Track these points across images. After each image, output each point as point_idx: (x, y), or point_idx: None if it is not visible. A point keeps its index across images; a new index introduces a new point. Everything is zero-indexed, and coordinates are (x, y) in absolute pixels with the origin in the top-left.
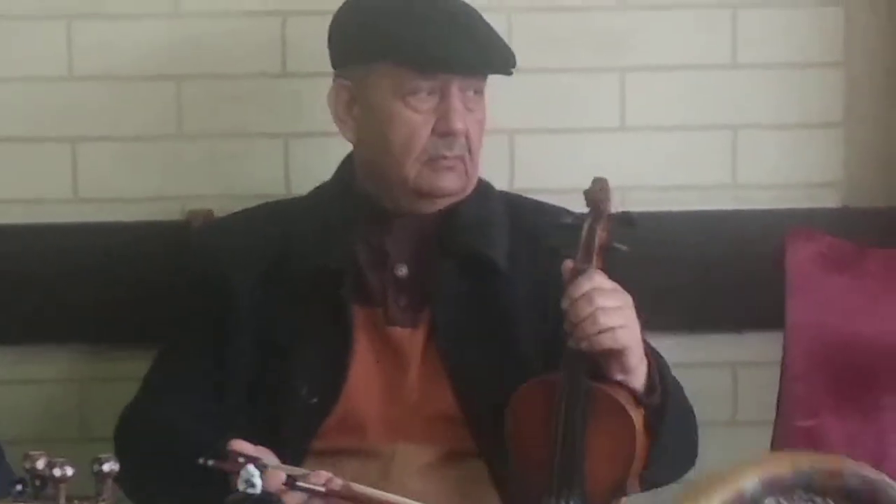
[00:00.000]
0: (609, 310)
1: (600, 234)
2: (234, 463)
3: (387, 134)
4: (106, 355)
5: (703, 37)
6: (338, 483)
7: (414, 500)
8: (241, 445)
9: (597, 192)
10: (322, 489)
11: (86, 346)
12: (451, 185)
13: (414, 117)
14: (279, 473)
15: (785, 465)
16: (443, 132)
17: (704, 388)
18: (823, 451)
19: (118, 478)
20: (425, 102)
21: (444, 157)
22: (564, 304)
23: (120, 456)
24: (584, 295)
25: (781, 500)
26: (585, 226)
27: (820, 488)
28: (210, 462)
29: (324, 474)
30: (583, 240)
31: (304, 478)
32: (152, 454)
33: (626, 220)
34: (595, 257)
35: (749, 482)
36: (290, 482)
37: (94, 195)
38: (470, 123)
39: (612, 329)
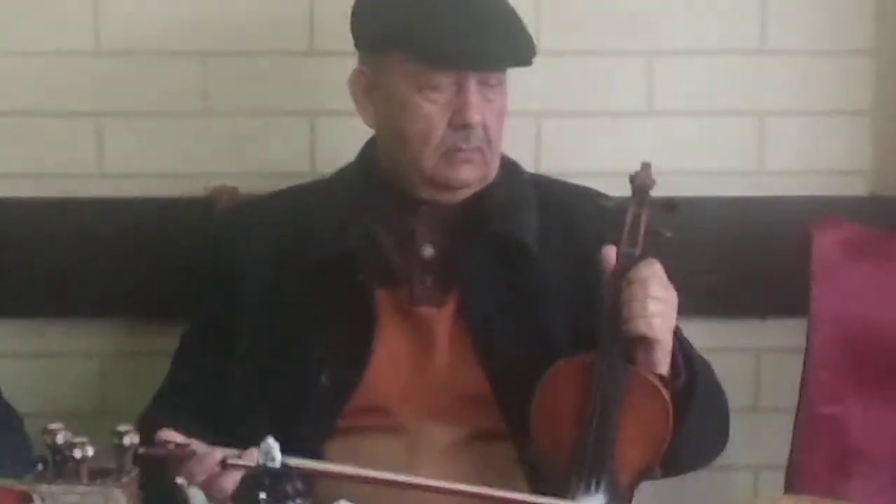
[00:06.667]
0: (658, 300)
1: (645, 219)
2: (164, 449)
3: (403, 125)
4: (127, 330)
5: (732, 21)
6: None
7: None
8: (170, 434)
9: (645, 177)
10: (254, 464)
11: (107, 320)
12: (469, 176)
13: (430, 109)
14: (213, 454)
15: None
16: (459, 125)
17: (728, 374)
18: (846, 437)
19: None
20: (442, 95)
21: (461, 150)
22: (619, 285)
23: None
24: (641, 279)
25: None
26: (630, 210)
27: None
28: (141, 450)
29: (255, 452)
30: (628, 224)
31: (235, 457)
32: None
33: (670, 205)
34: (640, 242)
35: None
36: (223, 463)
37: (118, 170)
38: (488, 114)
39: (655, 317)
